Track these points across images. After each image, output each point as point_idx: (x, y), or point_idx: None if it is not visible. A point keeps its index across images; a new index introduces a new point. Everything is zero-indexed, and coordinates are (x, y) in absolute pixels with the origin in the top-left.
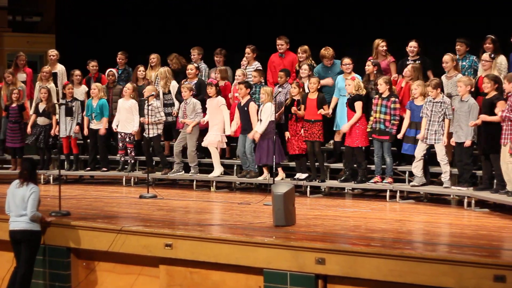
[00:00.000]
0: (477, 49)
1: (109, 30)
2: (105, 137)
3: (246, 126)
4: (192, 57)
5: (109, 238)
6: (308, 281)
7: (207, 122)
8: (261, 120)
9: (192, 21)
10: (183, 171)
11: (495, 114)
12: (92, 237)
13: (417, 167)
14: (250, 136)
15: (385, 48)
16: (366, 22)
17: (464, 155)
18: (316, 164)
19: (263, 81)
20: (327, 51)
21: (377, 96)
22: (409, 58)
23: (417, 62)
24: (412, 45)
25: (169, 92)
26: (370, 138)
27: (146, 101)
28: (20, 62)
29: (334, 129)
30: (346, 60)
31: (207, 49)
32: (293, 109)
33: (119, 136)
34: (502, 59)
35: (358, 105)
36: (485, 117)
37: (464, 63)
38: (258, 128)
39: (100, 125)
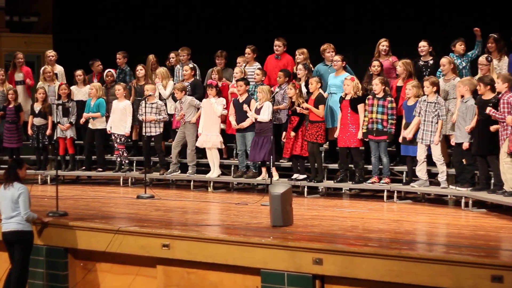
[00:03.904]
0: (470, 49)
1: (106, 30)
2: (103, 137)
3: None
4: (181, 58)
5: (107, 238)
6: (305, 282)
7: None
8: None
9: (189, 21)
10: (179, 171)
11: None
12: (90, 238)
13: (421, 171)
14: (243, 125)
15: (386, 47)
16: (361, 22)
17: (466, 156)
18: (315, 164)
19: (263, 79)
20: (328, 46)
21: (370, 96)
22: (421, 59)
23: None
24: (422, 45)
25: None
26: (366, 139)
27: (146, 100)
28: (18, 62)
29: (327, 126)
30: (336, 57)
31: (208, 50)
32: (298, 108)
33: (113, 137)
34: (505, 61)
35: (361, 107)
36: (495, 128)
37: (464, 60)
38: (258, 117)
39: (96, 125)
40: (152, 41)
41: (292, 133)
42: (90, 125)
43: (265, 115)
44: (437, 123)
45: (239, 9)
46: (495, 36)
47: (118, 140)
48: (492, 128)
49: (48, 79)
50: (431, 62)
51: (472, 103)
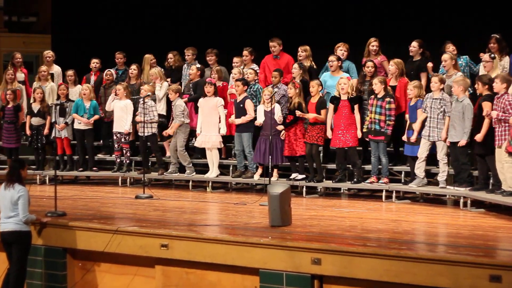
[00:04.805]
0: (470, 49)
1: (105, 30)
2: (93, 137)
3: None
4: (186, 57)
5: (105, 238)
6: (304, 281)
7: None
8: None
9: (189, 21)
10: (179, 172)
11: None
12: (88, 238)
13: (420, 168)
14: (234, 122)
15: (375, 47)
16: (361, 22)
17: (460, 155)
18: (313, 164)
19: (257, 79)
20: (342, 45)
21: (372, 96)
22: (413, 59)
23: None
24: (412, 45)
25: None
26: (367, 139)
27: (142, 100)
28: (17, 62)
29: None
30: (331, 57)
31: (205, 49)
32: (298, 113)
33: (115, 137)
34: (506, 61)
35: (357, 107)
36: (479, 137)
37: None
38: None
39: (86, 126)
40: (152, 41)
41: (281, 127)
42: (80, 126)
43: (278, 115)
44: (442, 119)
45: (239, 9)
46: (497, 36)
47: (122, 139)
48: (477, 138)
49: (42, 78)
50: (417, 63)
51: (467, 102)
